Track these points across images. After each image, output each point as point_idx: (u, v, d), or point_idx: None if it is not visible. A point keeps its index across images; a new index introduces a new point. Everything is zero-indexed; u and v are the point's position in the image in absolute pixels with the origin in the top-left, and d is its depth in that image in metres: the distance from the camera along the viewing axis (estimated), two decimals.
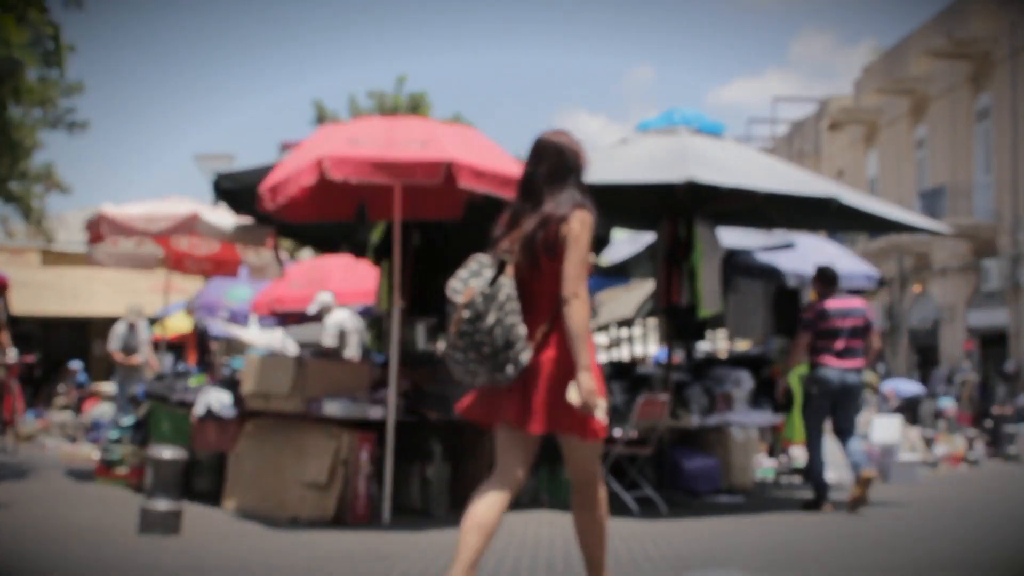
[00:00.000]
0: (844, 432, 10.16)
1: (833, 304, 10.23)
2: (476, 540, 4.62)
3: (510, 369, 4.59)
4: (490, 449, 9.60)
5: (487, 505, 4.66)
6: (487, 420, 4.80)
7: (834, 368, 10.00)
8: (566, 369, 4.58)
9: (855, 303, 10.38)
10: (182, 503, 7.56)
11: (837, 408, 10.14)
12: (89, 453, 13.32)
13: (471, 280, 4.67)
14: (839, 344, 10.08)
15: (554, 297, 4.65)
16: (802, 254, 13.13)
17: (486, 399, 4.76)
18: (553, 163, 4.82)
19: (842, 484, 12.55)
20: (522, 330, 4.60)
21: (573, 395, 4.52)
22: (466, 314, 4.59)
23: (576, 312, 4.54)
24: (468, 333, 4.59)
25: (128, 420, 11.26)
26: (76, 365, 21.57)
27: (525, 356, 4.59)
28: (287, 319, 15.05)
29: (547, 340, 4.65)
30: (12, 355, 12.87)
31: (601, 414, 4.57)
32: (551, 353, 4.63)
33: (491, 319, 4.57)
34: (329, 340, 12.21)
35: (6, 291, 12.39)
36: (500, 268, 4.71)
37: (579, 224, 4.65)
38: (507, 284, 4.63)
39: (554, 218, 4.67)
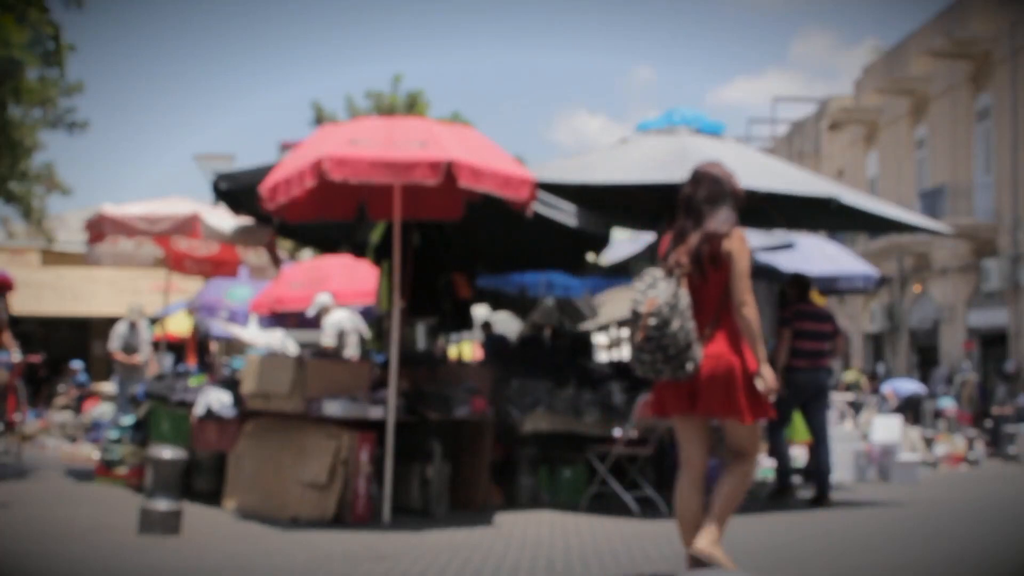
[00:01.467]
0: (819, 431, 10.65)
1: (808, 308, 10.73)
2: (690, 531, 5.49)
3: (690, 366, 5.40)
4: (489, 449, 9.63)
5: (684, 499, 5.52)
6: (669, 413, 5.60)
7: (807, 371, 10.48)
8: (728, 363, 5.43)
9: (825, 310, 10.97)
10: (182, 503, 7.56)
11: (809, 407, 10.67)
12: (89, 453, 13.31)
13: (649, 291, 5.48)
14: (810, 346, 10.53)
15: (716, 302, 5.52)
16: (802, 254, 13.14)
17: (670, 395, 5.55)
18: (710, 188, 5.70)
19: (842, 484, 12.56)
20: (696, 333, 5.43)
21: (760, 384, 5.44)
22: (652, 321, 5.38)
23: (749, 315, 5.44)
24: (655, 338, 5.39)
25: (128, 420, 11.26)
26: (76, 365, 21.56)
27: (699, 354, 5.42)
28: (287, 320, 15.05)
29: (712, 338, 5.48)
30: (16, 355, 12.85)
31: (772, 398, 5.50)
32: (714, 349, 5.46)
33: (675, 324, 5.37)
34: (328, 340, 12.21)
35: (8, 291, 12.38)
36: (673, 279, 5.51)
37: (739, 241, 5.56)
38: (685, 294, 5.46)
39: (717, 235, 5.54)
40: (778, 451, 10.76)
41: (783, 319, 10.63)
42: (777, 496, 10.74)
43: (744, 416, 5.43)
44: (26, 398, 15.09)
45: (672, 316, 5.38)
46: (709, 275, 5.53)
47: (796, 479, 13.13)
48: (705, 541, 5.40)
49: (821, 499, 10.25)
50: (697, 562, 5.39)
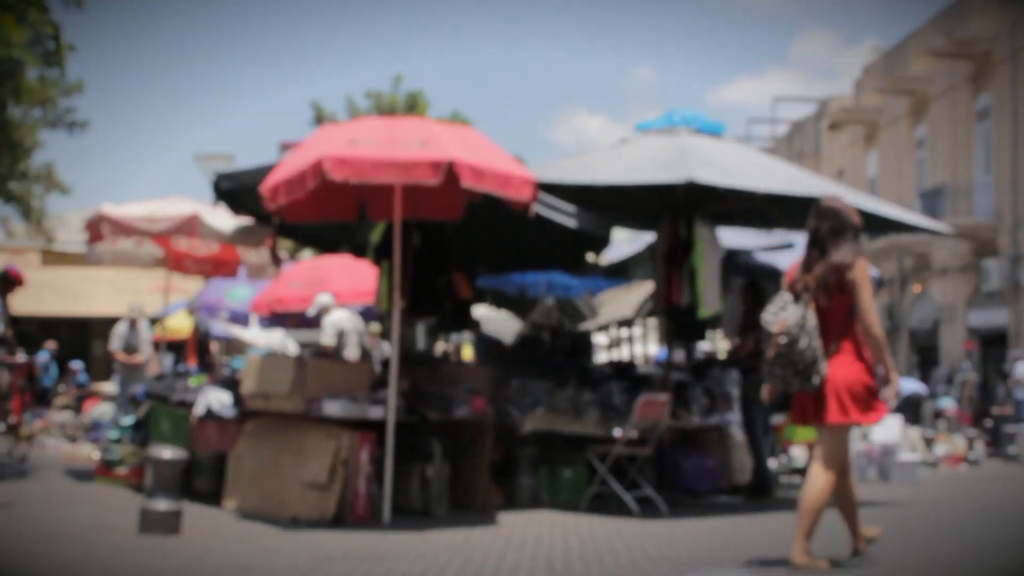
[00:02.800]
0: (766, 430, 11.04)
1: None
2: (851, 516, 6.41)
3: (816, 379, 6.20)
4: (489, 448, 9.63)
5: (840, 491, 6.31)
6: (811, 422, 6.38)
7: None
8: (848, 375, 6.20)
9: None
10: (182, 503, 7.56)
11: (771, 406, 10.98)
12: (89, 453, 13.31)
13: (780, 313, 6.28)
14: None
15: (839, 323, 6.27)
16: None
17: (807, 405, 6.35)
18: (833, 222, 6.36)
19: None
20: (821, 350, 6.22)
21: (890, 390, 6.27)
22: (783, 340, 6.20)
23: (877, 334, 6.22)
24: (785, 354, 6.20)
25: (128, 420, 11.25)
26: (76, 365, 21.56)
27: (825, 368, 6.21)
28: (287, 320, 15.04)
29: (836, 354, 6.25)
30: (21, 356, 12.82)
31: (891, 405, 6.34)
32: (837, 363, 6.23)
33: (803, 343, 6.18)
34: (327, 340, 12.21)
35: (18, 287, 12.37)
36: (801, 302, 6.29)
37: (861, 270, 6.26)
38: (812, 315, 6.26)
39: (841, 265, 6.26)
40: (757, 450, 10.92)
41: (751, 325, 10.84)
42: (753, 494, 10.84)
43: (839, 419, 6.19)
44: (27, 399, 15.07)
45: (800, 335, 6.17)
46: (834, 300, 6.28)
47: (797, 479, 13.15)
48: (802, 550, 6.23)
49: (765, 492, 10.82)
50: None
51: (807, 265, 6.42)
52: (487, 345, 13.60)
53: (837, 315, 6.29)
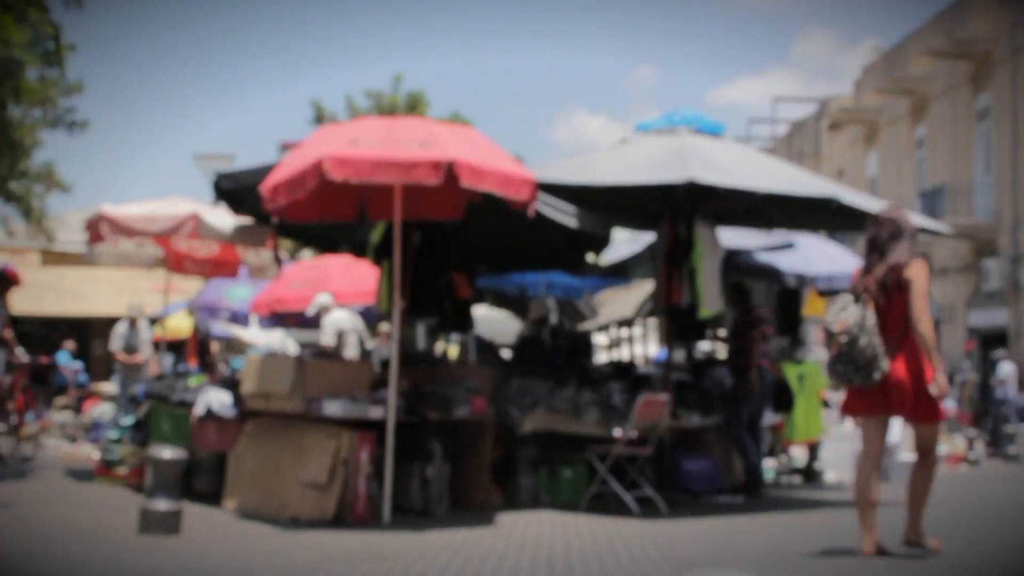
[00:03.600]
0: (756, 426, 11.15)
1: (766, 313, 11.45)
2: (868, 512, 6.68)
3: (876, 375, 6.59)
4: (489, 448, 9.62)
5: (865, 484, 6.69)
6: (862, 413, 6.85)
7: (769, 370, 11.08)
8: (913, 372, 6.59)
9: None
10: (182, 503, 7.56)
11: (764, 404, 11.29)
12: (89, 453, 13.30)
13: (841, 313, 6.70)
14: (768, 347, 11.15)
15: (900, 321, 6.64)
16: (802, 254, 13.14)
17: (859, 399, 6.78)
18: (891, 228, 6.83)
19: (842, 483, 12.56)
20: (882, 347, 6.58)
21: (935, 389, 6.55)
22: (844, 339, 6.62)
23: (925, 330, 6.55)
24: (846, 352, 6.62)
25: (128, 420, 11.25)
26: (76, 365, 21.56)
27: (886, 364, 6.59)
28: (287, 320, 15.04)
29: (899, 352, 6.63)
30: (21, 355, 12.82)
31: (947, 404, 6.28)
32: (902, 362, 6.62)
33: (863, 341, 6.58)
34: (327, 340, 12.21)
35: (14, 286, 12.37)
36: (860, 302, 6.68)
37: (918, 269, 6.69)
38: (872, 314, 6.65)
39: (900, 266, 6.70)
40: (744, 448, 11.00)
41: (749, 323, 11.07)
42: (747, 493, 10.88)
43: (936, 418, 6.66)
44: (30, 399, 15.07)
45: (860, 334, 6.56)
46: (894, 299, 6.67)
47: (796, 479, 13.17)
48: (916, 532, 6.72)
49: (756, 488, 10.92)
50: (912, 544, 6.76)
51: (868, 269, 6.84)
52: (482, 346, 13.60)
53: (897, 315, 6.66)
